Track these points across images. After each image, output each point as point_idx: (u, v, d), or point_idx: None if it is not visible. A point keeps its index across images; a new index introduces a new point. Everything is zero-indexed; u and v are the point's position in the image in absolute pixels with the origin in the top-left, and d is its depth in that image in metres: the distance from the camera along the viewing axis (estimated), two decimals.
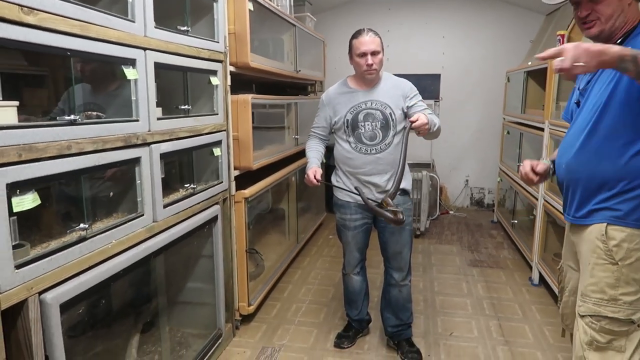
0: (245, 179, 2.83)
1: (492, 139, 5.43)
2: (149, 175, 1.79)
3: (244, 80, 3.32)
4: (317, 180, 2.22)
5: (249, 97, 2.62)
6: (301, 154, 3.91)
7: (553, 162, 1.68)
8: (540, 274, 3.36)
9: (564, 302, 1.72)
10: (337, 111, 2.32)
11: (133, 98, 1.70)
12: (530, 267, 3.54)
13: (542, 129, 3.35)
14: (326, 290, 3.30)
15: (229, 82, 2.51)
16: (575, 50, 1.16)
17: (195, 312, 2.52)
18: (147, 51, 1.75)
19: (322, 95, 2.42)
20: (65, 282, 1.37)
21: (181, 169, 2.27)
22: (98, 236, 1.52)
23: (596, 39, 1.49)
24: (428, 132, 2.11)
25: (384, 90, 2.27)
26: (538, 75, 3.84)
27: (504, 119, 4.87)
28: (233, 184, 2.61)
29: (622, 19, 1.43)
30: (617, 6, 1.42)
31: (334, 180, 2.45)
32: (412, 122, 2.04)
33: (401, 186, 2.28)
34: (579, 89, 1.59)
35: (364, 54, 2.19)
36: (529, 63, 4.00)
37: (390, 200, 2.06)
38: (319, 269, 3.72)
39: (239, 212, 2.65)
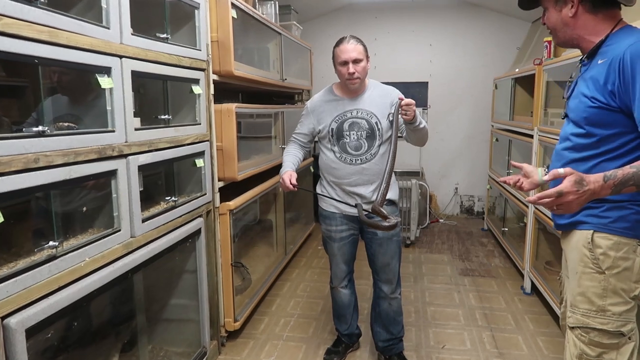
0: (231, 190, 2.75)
1: (481, 146, 5.41)
2: (126, 189, 1.72)
3: (231, 90, 3.26)
4: (293, 185, 2.11)
5: (233, 107, 2.55)
6: None
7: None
8: (532, 282, 3.31)
9: (562, 314, 1.67)
10: (321, 119, 2.26)
11: (108, 108, 1.63)
12: (522, 276, 3.50)
13: (531, 136, 3.32)
14: (315, 303, 3.22)
15: (212, 91, 2.44)
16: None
17: (179, 330, 2.42)
18: (123, 59, 1.68)
19: (307, 103, 2.36)
20: (32, 305, 1.28)
21: (162, 181, 2.19)
22: (70, 254, 1.43)
23: (561, 46, 1.57)
24: (415, 124, 2.08)
25: (371, 99, 2.21)
26: (525, 82, 3.83)
27: (492, 126, 4.85)
28: (217, 195, 2.53)
29: (569, 32, 1.45)
30: (555, 20, 1.47)
31: (318, 190, 2.39)
32: (401, 99, 2.04)
33: (388, 197, 2.23)
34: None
35: (345, 62, 2.12)
36: (517, 70, 3.99)
37: (378, 207, 1.98)
38: (308, 280, 3.64)
39: (223, 225, 2.57)
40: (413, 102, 2.02)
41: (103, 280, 1.56)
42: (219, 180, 2.57)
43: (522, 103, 3.96)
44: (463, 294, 3.35)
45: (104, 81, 1.59)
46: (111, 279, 1.61)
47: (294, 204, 4.26)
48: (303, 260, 4.09)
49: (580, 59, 1.50)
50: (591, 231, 1.41)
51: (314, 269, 3.88)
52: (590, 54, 1.42)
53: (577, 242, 1.46)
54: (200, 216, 2.33)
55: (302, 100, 4.72)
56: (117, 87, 1.65)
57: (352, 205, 2.19)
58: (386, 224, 1.90)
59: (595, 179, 1.25)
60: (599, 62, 1.37)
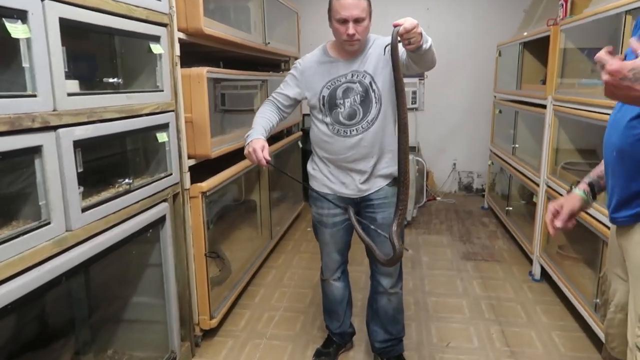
0: (206, 169, 2.38)
1: (481, 119, 5.05)
2: (57, 170, 1.34)
3: (206, 54, 2.86)
4: (267, 161, 1.68)
5: (204, 71, 2.16)
6: (273, 139, 3.48)
7: (590, 184, 1.33)
8: (542, 268, 3.01)
9: (609, 320, 1.35)
10: (310, 85, 1.87)
11: (25, 65, 1.24)
12: (530, 260, 3.20)
13: (543, 106, 2.96)
14: (303, 294, 2.89)
15: (177, 52, 2.04)
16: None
17: (144, 332, 2.09)
18: (45, 1, 1.29)
19: (298, 61, 1.95)
20: None
21: (112, 161, 1.81)
22: None
23: None
24: (420, 48, 1.56)
25: (368, 57, 1.83)
26: (535, 47, 3.45)
27: (495, 96, 4.49)
28: (187, 175, 2.16)
29: None
30: None
31: (309, 168, 2.03)
32: (397, 25, 1.46)
33: (389, 172, 1.90)
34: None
35: (344, 21, 1.72)
36: (525, 34, 3.60)
37: (392, 235, 1.55)
38: (296, 267, 3.31)
39: (195, 210, 2.21)
40: (415, 22, 1.46)
41: (23, 289, 1.21)
42: (189, 158, 2.20)
43: (531, 71, 3.59)
44: (466, 282, 3.04)
45: (16, 29, 1.20)
46: (36, 286, 1.25)
47: (281, 181, 3.90)
48: (290, 245, 3.75)
49: None
50: None
51: (302, 254, 3.55)
52: None
53: None
54: (165, 200, 1.97)
55: (288, 69, 4.31)
56: (37, 38, 1.26)
57: (342, 207, 1.86)
58: (384, 257, 1.56)
59: None
60: None
